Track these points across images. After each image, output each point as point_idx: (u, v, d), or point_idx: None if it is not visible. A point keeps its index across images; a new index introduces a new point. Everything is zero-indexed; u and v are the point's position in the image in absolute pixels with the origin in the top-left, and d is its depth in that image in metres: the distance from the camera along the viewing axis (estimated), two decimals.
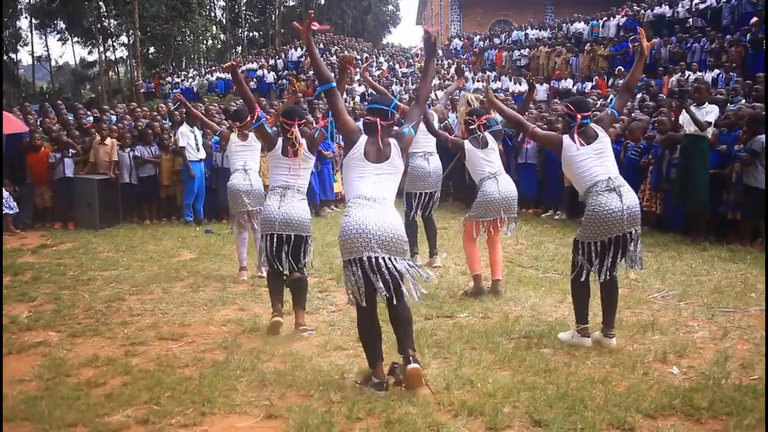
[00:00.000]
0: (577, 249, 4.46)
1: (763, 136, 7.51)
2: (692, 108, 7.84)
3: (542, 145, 4.27)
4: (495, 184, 5.80)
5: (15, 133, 10.25)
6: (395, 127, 4.02)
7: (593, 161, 4.37)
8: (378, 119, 3.85)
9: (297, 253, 4.88)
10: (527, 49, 23.90)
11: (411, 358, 3.65)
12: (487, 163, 5.86)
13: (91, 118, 12.76)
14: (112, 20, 40.14)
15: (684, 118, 7.87)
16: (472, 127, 5.90)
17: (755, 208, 7.42)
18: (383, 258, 3.64)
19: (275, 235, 4.82)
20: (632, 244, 4.35)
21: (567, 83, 19.75)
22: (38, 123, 11.44)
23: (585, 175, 4.38)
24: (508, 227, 5.99)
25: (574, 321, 4.55)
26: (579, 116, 4.42)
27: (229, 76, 28.74)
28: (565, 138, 4.46)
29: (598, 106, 11.52)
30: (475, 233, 5.86)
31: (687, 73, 15.35)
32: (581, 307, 4.50)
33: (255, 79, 27.12)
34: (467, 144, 5.87)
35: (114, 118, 13.16)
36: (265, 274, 6.39)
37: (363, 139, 3.85)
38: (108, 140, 10.20)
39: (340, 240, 3.75)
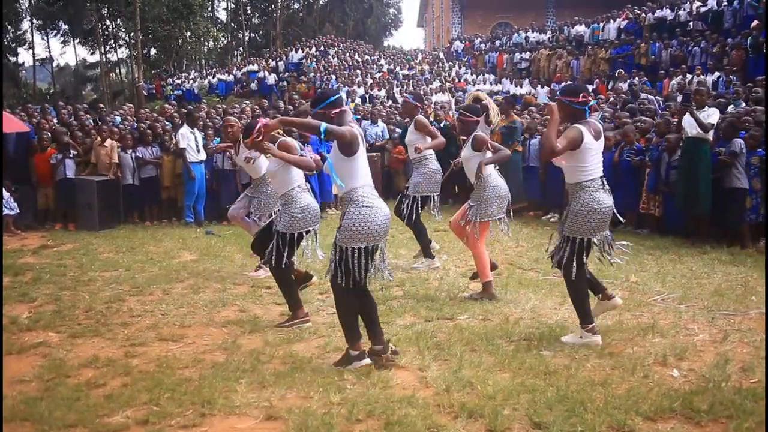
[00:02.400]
0: (569, 245, 4.42)
1: (739, 140, 7.66)
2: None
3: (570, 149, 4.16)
4: (501, 179, 5.83)
5: (22, 135, 10.30)
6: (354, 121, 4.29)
7: (597, 157, 4.40)
8: (341, 109, 4.06)
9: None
10: (528, 52, 23.93)
11: (393, 346, 4.19)
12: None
13: (91, 121, 12.75)
14: (113, 22, 40.20)
15: (686, 120, 7.89)
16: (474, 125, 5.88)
17: (735, 209, 7.60)
18: (381, 245, 4.05)
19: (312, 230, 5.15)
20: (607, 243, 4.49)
21: None
22: (37, 124, 11.46)
23: (588, 168, 4.37)
24: (505, 226, 5.93)
25: (579, 323, 4.53)
26: (590, 99, 4.44)
27: (230, 77, 28.91)
28: (582, 127, 4.34)
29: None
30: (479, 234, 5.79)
31: (688, 76, 15.37)
32: (585, 304, 4.49)
33: (256, 81, 27.16)
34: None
35: (118, 119, 13.18)
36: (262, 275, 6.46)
37: (357, 129, 4.07)
38: (108, 141, 10.21)
39: (363, 228, 3.92)
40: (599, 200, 4.34)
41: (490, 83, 22.43)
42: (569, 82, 5.09)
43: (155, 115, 14.46)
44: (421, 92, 21.60)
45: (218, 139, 10.81)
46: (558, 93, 4.63)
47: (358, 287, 4.05)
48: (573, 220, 4.41)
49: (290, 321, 5.12)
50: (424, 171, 6.90)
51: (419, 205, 6.90)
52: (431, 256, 7.07)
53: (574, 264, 4.41)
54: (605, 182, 4.45)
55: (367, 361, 4.07)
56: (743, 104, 10.29)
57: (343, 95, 3.95)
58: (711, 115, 7.74)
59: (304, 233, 5.06)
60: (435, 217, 7.07)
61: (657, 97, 13.65)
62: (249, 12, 46.34)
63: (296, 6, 47.00)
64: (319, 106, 4.09)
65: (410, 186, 6.99)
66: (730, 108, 9.69)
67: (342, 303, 4.11)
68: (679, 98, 8.89)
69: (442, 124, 11.00)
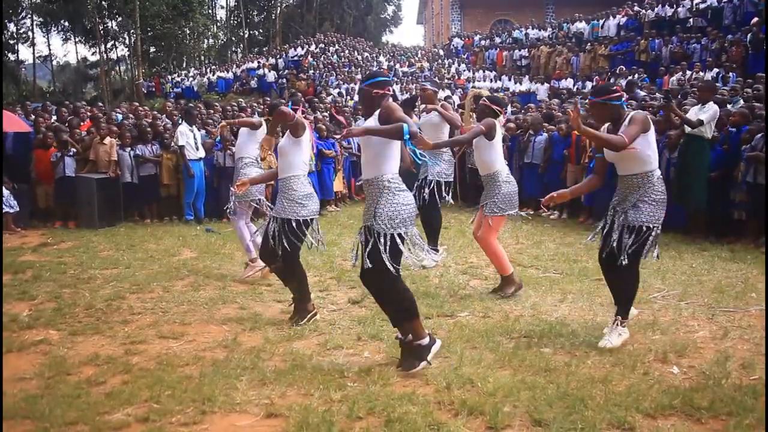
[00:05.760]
0: (636, 234, 4.30)
1: None
2: (695, 108, 7.84)
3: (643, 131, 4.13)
4: (511, 176, 5.85)
5: (21, 132, 10.29)
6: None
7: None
8: (387, 90, 4.01)
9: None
10: (528, 49, 23.91)
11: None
12: (501, 153, 5.90)
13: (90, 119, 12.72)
14: (113, 19, 40.14)
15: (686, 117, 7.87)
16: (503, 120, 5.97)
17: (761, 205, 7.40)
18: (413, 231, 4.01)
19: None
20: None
21: (567, 83, 19.76)
22: (34, 121, 11.46)
23: (653, 157, 4.34)
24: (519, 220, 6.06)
25: (618, 313, 4.46)
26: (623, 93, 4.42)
27: (229, 75, 28.88)
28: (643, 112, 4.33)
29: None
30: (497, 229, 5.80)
31: (688, 72, 15.37)
32: (634, 296, 4.52)
33: (256, 78, 27.15)
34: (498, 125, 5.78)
35: (120, 116, 13.17)
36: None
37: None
38: (107, 139, 10.20)
39: (400, 213, 3.87)
40: (664, 190, 4.38)
41: (490, 80, 22.42)
42: (599, 84, 5.20)
43: (154, 112, 14.45)
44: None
45: (219, 138, 10.81)
46: (591, 97, 4.57)
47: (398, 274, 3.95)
48: (648, 209, 4.30)
49: (304, 317, 5.08)
50: (443, 157, 6.99)
51: (439, 191, 6.96)
52: (436, 249, 7.09)
53: (644, 253, 4.35)
54: None
55: (439, 343, 3.98)
56: (741, 101, 10.27)
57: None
58: (707, 111, 7.67)
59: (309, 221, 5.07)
60: (447, 203, 7.17)
61: (659, 94, 13.64)
62: (248, 9, 46.25)
63: (294, 2, 46.87)
64: (366, 83, 4.08)
65: (429, 173, 6.97)
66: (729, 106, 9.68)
67: (396, 289, 3.96)
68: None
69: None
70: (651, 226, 4.30)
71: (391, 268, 3.86)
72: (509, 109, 13.52)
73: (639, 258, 4.36)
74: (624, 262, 4.29)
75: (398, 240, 3.86)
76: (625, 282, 4.47)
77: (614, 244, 4.33)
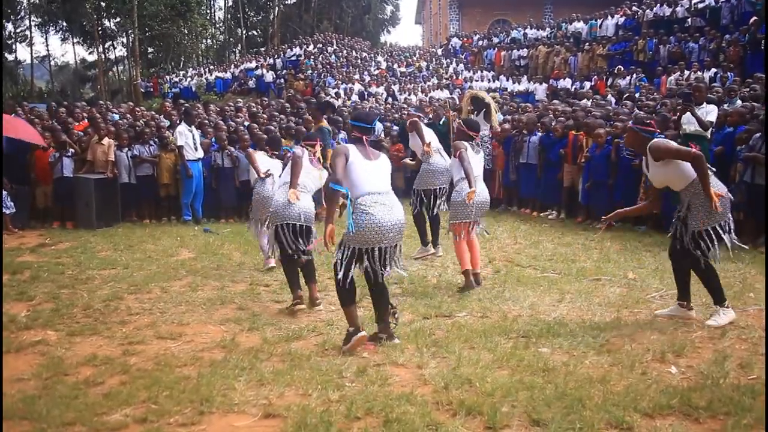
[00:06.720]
0: (710, 236, 4.65)
1: None
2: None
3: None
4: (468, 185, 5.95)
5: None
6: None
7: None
8: (363, 136, 4.46)
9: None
10: (526, 49, 23.92)
11: (392, 334, 4.49)
12: (475, 165, 6.05)
13: (86, 119, 12.67)
14: (111, 20, 40.10)
15: (684, 118, 7.90)
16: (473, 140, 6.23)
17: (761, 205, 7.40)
18: (389, 247, 4.34)
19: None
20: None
21: (566, 82, 19.77)
22: (31, 121, 11.41)
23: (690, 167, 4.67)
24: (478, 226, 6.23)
25: (717, 305, 4.79)
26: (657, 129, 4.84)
27: (227, 75, 28.84)
28: (658, 139, 4.72)
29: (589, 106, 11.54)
30: (463, 234, 6.04)
31: (686, 72, 15.39)
32: (719, 284, 4.81)
33: (254, 78, 27.14)
34: (469, 148, 6.07)
35: (116, 116, 13.15)
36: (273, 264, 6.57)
37: (351, 147, 4.38)
38: (105, 140, 10.19)
39: (355, 232, 4.25)
40: (722, 184, 4.71)
41: (488, 80, 22.44)
42: (640, 113, 5.83)
43: (152, 113, 14.44)
44: (419, 89, 21.65)
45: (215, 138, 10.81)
46: (630, 122, 5.04)
47: (351, 283, 4.37)
48: (709, 212, 4.61)
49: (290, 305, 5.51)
50: (425, 166, 7.29)
51: (420, 199, 7.27)
52: (425, 243, 7.50)
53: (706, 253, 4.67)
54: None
55: (363, 333, 4.36)
56: (738, 102, 10.28)
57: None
58: (710, 113, 7.76)
59: (278, 227, 5.55)
60: (437, 209, 7.30)
61: (657, 95, 13.66)
62: (246, 9, 46.24)
63: (292, 2, 46.83)
64: (351, 121, 4.65)
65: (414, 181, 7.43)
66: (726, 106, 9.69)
67: (341, 290, 4.43)
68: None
69: (441, 122, 11.01)
70: (709, 228, 4.64)
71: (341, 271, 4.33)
72: (505, 108, 13.52)
73: (703, 258, 4.69)
74: (701, 261, 4.69)
75: (356, 252, 4.31)
76: (702, 277, 4.84)
77: (679, 247, 4.83)
